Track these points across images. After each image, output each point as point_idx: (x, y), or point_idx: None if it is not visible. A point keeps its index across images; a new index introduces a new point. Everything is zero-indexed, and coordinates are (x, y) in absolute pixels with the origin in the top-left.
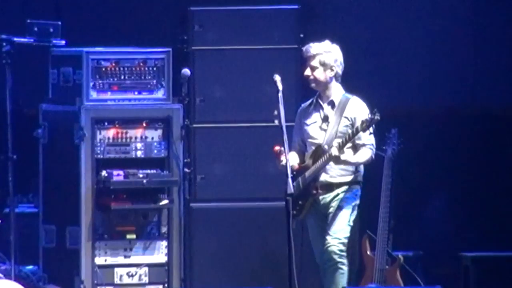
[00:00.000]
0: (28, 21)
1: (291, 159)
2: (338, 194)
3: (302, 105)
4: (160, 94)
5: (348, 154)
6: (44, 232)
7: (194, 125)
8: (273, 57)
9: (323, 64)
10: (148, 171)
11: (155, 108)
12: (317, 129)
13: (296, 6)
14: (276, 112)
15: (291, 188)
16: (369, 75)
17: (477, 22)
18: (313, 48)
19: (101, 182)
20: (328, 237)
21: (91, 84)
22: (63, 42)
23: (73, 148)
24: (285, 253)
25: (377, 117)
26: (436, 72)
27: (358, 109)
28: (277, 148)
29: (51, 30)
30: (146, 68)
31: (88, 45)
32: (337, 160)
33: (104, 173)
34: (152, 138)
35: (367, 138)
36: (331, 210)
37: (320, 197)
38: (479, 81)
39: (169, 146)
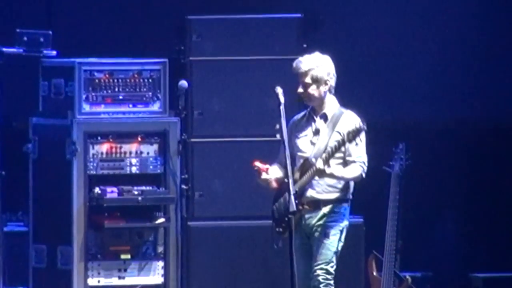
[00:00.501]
0: (18, 30)
1: (273, 173)
2: (324, 215)
3: (295, 117)
4: (156, 107)
5: (334, 168)
6: (34, 252)
7: (192, 140)
8: (274, 68)
9: (316, 80)
10: (144, 188)
11: (150, 121)
12: (307, 143)
13: (299, 15)
14: (277, 126)
15: (293, 206)
16: (375, 86)
17: (487, 32)
18: (304, 63)
19: (94, 199)
20: (314, 266)
21: (84, 96)
22: (54, 52)
23: (64, 164)
24: (287, 273)
25: (364, 127)
26: (445, 83)
27: (350, 125)
28: (256, 164)
29: (42, 39)
30: (141, 80)
31: (80, 56)
32: (321, 174)
33: (97, 190)
34: (148, 153)
35: (358, 155)
36: (316, 235)
37: (306, 215)
38: (491, 92)
39: (165, 162)
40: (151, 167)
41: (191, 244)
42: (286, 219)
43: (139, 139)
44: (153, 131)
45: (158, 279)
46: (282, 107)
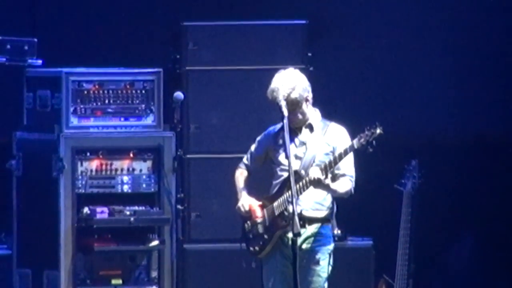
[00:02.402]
0: (0, 37)
1: (247, 202)
2: (309, 237)
3: (270, 130)
4: (149, 120)
5: (329, 180)
6: (18, 277)
7: (188, 156)
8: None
9: (297, 102)
10: (136, 208)
11: (143, 136)
12: (291, 157)
13: (303, 22)
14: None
15: (297, 228)
16: (385, 100)
17: (503, 46)
18: (280, 91)
19: (83, 220)
20: None
21: (72, 109)
22: (39, 61)
23: (51, 182)
24: None
25: (380, 130)
26: (460, 98)
27: (340, 137)
28: (254, 210)
29: (26, 48)
30: (134, 91)
31: (68, 65)
32: (318, 184)
33: (86, 210)
34: (141, 170)
35: (348, 168)
36: (304, 262)
37: (290, 234)
38: (507, 108)
39: (159, 180)
40: (144, 185)
41: (187, 269)
42: (266, 236)
43: (131, 155)
44: (146, 146)
45: None
46: (285, 120)
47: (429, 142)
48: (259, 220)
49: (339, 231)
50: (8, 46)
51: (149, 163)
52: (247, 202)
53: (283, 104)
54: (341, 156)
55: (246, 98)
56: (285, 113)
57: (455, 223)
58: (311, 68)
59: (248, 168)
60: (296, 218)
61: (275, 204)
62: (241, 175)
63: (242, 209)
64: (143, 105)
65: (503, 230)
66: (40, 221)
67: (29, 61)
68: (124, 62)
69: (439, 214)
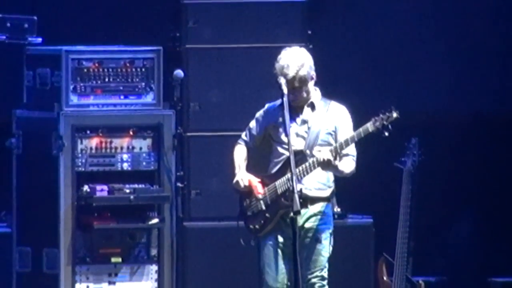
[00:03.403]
0: (0, 15)
1: (246, 177)
2: (312, 216)
3: (268, 105)
4: (149, 98)
5: (338, 161)
6: (18, 255)
7: (188, 134)
8: (277, 57)
9: (305, 80)
10: (136, 185)
11: (143, 114)
12: (292, 135)
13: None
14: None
15: (297, 206)
16: (385, 77)
17: (503, 23)
18: (291, 68)
19: (83, 198)
20: (308, 274)
21: (71, 87)
22: (39, 39)
23: (50, 160)
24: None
25: (396, 114)
26: (460, 75)
27: (341, 116)
28: (255, 186)
29: (26, 26)
30: (134, 69)
31: (67, 43)
32: (327, 165)
33: (85, 188)
34: (140, 148)
35: (351, 148)
36: (307, 240)
37: (292, 214)
38: (507, 86)
39: (159, 158)
40: (144, 163)
41: (187, 247)
42: (267, 215)
43: (131, 133)
44: (146, 124)
45: (152, 284)
46: (285, 98)
47: (429, 120)
48: (260, 197)
49: (339, 209)
50: (8, 24)
51: (149, 141)
52: (246, 177)
53: (282, 82)
54: (353, 139)
55: (246, 76)
56: (285, 90)
57: (455, 201)
58: (311, 46)
59: (247, 145)
60: (296, 196)
61: (278, 182)
62: (240, 151)
63: (241, 184)
64: (143, 83)
65: (503, 207)
66: (40, 199)
67: (29, 39)
68: (124, 40)
69: (439, 192)
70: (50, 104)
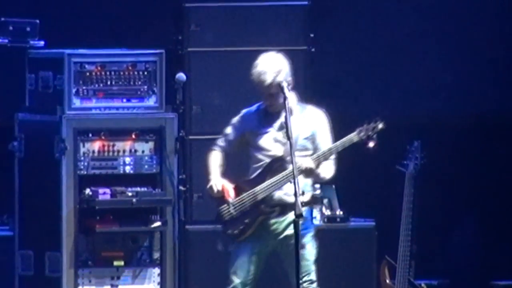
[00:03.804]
0: (2, 19)
1: (220, 182)
2: (291, 223)
3: (245, 111)
4: (151, 101)
5: (320, 169)
6: (20, 258)
7: (190, 137)
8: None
9: (281, 86)
10: (138, 189)
11: (146, 117)
12: (271, 140)
13: (305, 2)
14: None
15: (299, 209)
16: (387, 80)
17: (505, 25)
18: (268, 74)
19: (85, 201)
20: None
21: (74, 90)
22: (41, 42)
23: (53, 163)
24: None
25: (382, 125)
26: (462, 78)
27: (319, 121)
28: (227, 190)
29: (28, 29)
30: (136, 73)
31: (70, 47)
32: (309, 173)
33: (88, 191)
34: (143, 151)
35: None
36: (290, 248)
37: (272, 220)
38: (510, 87)
39: (161, 161)
40: (146, 166)
41: (189, 250)
42: (246, 221)
43: (134, 136)
44: (148, 127)
45: (154, 287)
46: (287, 102)
47: (431, 123)
48: (231, 200)
49: (341, 212)
50: (10, 28)
51: (151, 144)
52: (219, 182)
53: (284, 85)
54: (337, 149)
55: (248, 79)
56: (287, 94)
57: (457, 204)
58: (313, 49)
59: (224, 150)
60: (299, 200)
61: (258, 188)
62: (214, 156)
63: (215, 189)
64: (145, 86)
65: (505, 210)
66: (42, 203)
67: (31, 42)
68: (126, 43)
69: (441, 195)
70: (52, 107)
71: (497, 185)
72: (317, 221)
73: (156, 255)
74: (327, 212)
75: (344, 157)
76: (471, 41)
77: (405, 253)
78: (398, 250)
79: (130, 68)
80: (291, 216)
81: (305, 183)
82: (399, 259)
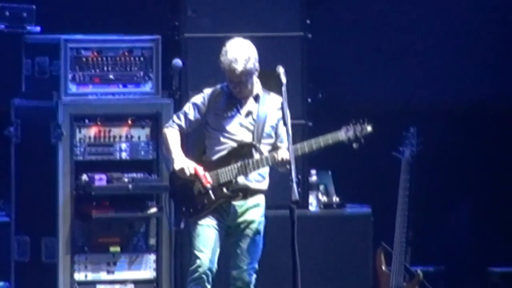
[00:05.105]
0: None
1: (192, 165)
2: (250, 208)
3: (208, 91)
4: (147, 87)
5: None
6: (16, 244)
7: None
8: (276, 46)
9: (251, 73)
10: (134, 175)
11: (142, 103)
12: (236, 125)
13: None
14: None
15: (296, 195)
16: (384, 67)
17: (502, 13)
18: (239, 63)
19: (81, 187)
20: (247, 265)
21: (70, 76)
22: (38, 28)
23: (49, 149)
24: (289, 266)
25: (370, 128)
26: (459, 65)
27: (281, 110)
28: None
29: (25, 14)
30: (132, 58)
31: (66, 32)
32: (283, 165)
33: (84, 177)
34: (139, 137)
35: (285, 136)
36: (247, 231)
37: (234, 203)
38: (506, 76)
39: (158, 147)
40: (142, 152)
41: (185, 236)
42: (205, 201)
43: (130, 122)
44: (144, 113)
45: (150, 273)
46: (284, 88)
47: (427, 109)
48: (209, 186)
49: (337, 199)
50: (7, 13)
51: (147, 130)
52: (191, 165)
53: (281, 71)
54: (319, 145)
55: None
56: (283, 80)
57: (453, 191)
58: (309, 36)
59: (181, 129)
60: (295, 186)
61: (220, 171)
62: (174, 135)
63: (187, 172)
64: (142, 72)
65: (501, 196)
66: (38, 188)
67: (28, 28)
68: (123, 29)
69: (437, 181)
70: (48, 93)
71: (493, 172)
72: (313, 207)
73: (152, 241)
74: (323, 199)
75: (340, 143)
76: (468, 28)
77: (401, 239)
78: (394, 236)
79: (126, 54)
80: (251, 201)
81: (265, 170)
82: (395, 245)
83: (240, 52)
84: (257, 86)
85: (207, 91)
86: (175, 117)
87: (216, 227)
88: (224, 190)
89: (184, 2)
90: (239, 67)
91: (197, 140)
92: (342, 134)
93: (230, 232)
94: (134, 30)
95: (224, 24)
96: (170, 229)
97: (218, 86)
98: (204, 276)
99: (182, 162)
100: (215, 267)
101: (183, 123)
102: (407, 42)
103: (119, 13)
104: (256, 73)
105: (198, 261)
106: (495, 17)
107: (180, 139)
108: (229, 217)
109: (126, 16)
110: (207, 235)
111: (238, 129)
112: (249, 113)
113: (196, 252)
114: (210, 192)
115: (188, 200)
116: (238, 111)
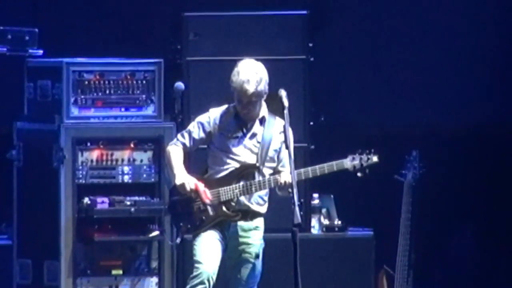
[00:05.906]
0: (1, 28)
1: (193, 181)
2: (251, 230)
3: (214, 111)
4: (150, 111)
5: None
6: (18, 267)
7: None
8: (278, 69)
9: (261, 95)
10: (136, 198)
11: (144, 126)
12: (241, 146)
13: (304, 12)
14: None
15: (298, 218)
16: (386, 90)
17: (503, 37)
18: (251, 84)
19: (83, 210)
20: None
21: (72, 99)
22: (40, 51)
23: (51, 172)
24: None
25: (376, 159)
26: (462, 88)
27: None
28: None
29: (27, 38)
30: (135, 82)
31: (68, 55)
32: (285, 189)
33: (86, 200)
34: (141, 160)
35: (287, 161)
36: (246, 256)
37: (233, 223)
38: (507, 98)
39: (160, 170)
40: (144, 175)
41: (187, 259)
42: (203, 217)
43: (132, 145)
44: (147, 136)
45: None
46: (286, 111)
47: (430, 133)
48: (208, 202)
49: (339, 222)
50: (9, 36)
51: (149, 154)
52: (192, 181)
53: (283, 94)
54: (323, 171)
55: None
56: (286, 104)
57: (455, 214)
58: (312, 59)
59: (185, 148)
60: (297, 209)
61: (222, 189)
62: (177, 152)
63: (187, 187)
64: (144, 96)
65: (504, 220)
66: (40, 211)
67: (30, 51)
68: (125, 52)
69: (439, 204)
70: (51, 116)
71: (495, 195)
72: (315, 230)
73: (154, 264)
74: (325, 222)
75: (344, 170)
76: (469, 52)
77: (404, 262)
78: (397, 259)
79: (128, 77)
80: (250, 223)
81: (266, 192)
82: (397, 268)
83: (253, 74)
84: (263, 108)
85: (213, 110)
86: (179, 136)
87: (219, 238)
88: (224, 208)
89: (186, 25)
90: (251, 88)
91: (199, 159)
92: (347, 163)
93: (229, 255)
94: (137, 54)
95: (226, 47)
96: (172, 252)
97: (225, 107)
98: (204, 284)
99: (183, 177)
100: (215, 277)
101: (187, 142)
102: (409, 66)
103: (121, 36)
104: (265, 96)
105: (199, 269)
106: (498, 41)
107: (182, 157)
108: (229, 237)
109: (128, 40)
110: (208, 245)
111: (242, 151)
112: (253, 135)
113: (197, 260)
114: (209, 208)
115: (187, 216)
116: (244, 133)
